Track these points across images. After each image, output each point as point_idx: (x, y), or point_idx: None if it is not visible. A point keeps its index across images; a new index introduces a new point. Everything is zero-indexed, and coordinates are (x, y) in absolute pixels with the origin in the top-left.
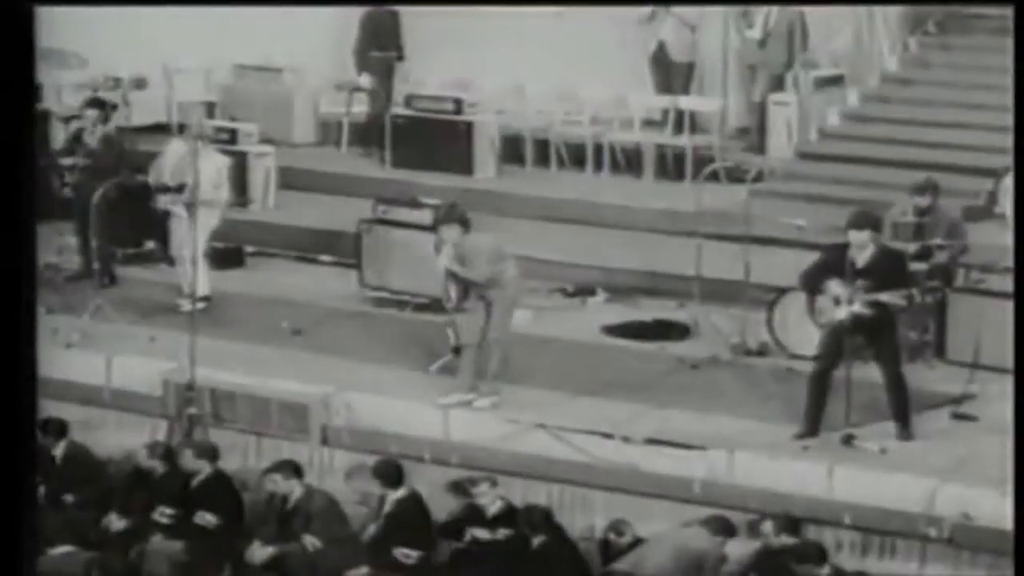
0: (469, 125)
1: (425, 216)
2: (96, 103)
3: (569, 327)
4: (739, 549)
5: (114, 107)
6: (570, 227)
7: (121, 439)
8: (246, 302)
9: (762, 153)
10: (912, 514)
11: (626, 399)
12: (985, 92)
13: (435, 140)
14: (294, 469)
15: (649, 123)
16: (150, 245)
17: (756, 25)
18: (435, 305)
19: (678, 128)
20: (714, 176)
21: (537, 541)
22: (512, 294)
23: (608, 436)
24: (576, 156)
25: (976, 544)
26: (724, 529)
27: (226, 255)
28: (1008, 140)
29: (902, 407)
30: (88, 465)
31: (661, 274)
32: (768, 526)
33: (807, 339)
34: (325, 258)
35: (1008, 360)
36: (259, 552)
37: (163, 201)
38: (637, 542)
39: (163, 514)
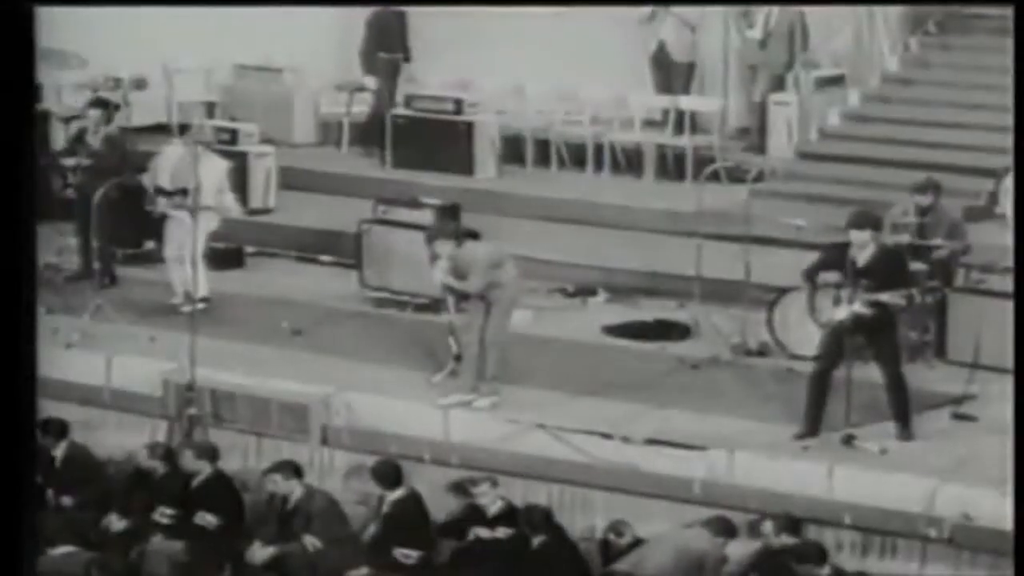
0: (469, 125)
1: (425, 216)
2: (99, 103)
3: (569, 327)
4: (739, 549)
5: (117, 107)
6: (570, 227)
7: (121, 439)
8: (246, 302)
9: (762, 153)
10: (912, 514)
11: (626, 399)
12: (985, 92)
13: (435, 140)
14: (294, 469)
15: (649, 123)
16: (150, 245)
17: (757, 25)
18: (435, 305)
19: (678, 128)
20: (714, 176)
21: (537, 541)
22: (512, 294)
23: (608, 436)
24: (576, 156)
25: (976, 544)
26: (725, 530)
27: (226, 255)
28: (1008, 140)
29: (902, 407)
30: (88, 465)
31: (661, 274)
32: (768, 526)
33: (807, 339)
34: (325, 258)
35: (1008, 360)
36: (259, 552)
37: (161, 204)
38: (637, 542)
39: (163, 514)
